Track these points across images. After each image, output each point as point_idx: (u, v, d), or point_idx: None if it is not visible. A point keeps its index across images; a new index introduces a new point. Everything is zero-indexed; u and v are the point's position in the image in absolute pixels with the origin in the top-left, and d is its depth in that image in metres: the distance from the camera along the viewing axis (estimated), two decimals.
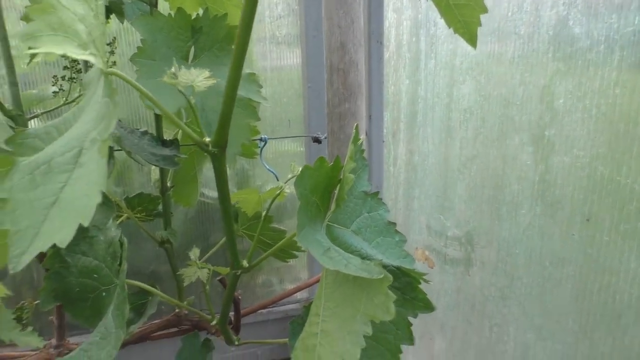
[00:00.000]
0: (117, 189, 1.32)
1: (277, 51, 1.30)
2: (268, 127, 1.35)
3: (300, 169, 0.42)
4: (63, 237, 0.31)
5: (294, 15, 1.27)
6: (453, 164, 0.80)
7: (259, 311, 1.42)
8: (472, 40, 0.43)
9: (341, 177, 0.49)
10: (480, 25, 0.42)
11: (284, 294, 0.88)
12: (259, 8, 1.25)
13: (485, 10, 0.41)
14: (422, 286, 0.51)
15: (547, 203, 0.62)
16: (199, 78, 0.42)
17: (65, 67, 0.74)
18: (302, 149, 1.39)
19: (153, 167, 0.85)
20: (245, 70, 0.71)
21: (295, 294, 1.60)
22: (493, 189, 0.71)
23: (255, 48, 1.29)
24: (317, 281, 0.64)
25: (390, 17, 0.95)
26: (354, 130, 0.50)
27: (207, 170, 1.42)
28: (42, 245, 0.31)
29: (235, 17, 0.79)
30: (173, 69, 0.41)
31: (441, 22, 0.45)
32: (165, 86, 0.62)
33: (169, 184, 0.82)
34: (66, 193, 0.33)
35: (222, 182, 0.46)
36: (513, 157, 0.67)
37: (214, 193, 1.31)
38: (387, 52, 0.95)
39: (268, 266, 1.47)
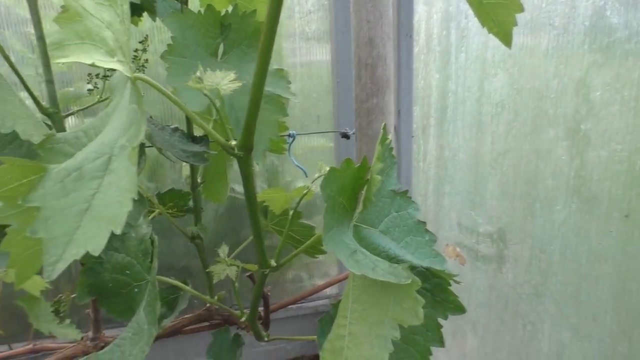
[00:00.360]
0: (150, 184, 1.34)
1: (306, 47, 1.30)
2: (297, 122, 1.35)
3: (327, 169, 0.42)
4: (96, 244, 0.31)
5: (324, 10, 1.26)
6: (484, 159, 0.78)
7: (290, 307, 1.43)
8: (506, 40, 0.42)
9: (368, 177, 0.48)
10: (515, 25, 0.41)
11: (313, 290, 0.88)
12: (289, 4, 1.24)
13: (521, 9, 0.40)
14: (453, 287, 0.50)
15: (583, 199, 0.60)
16: (224, 81, 0.41)
17: None
18: (331, 144, 1.39)
19: (184, 164, 0.87)
20: (274, 66, 0.71)
21: (325, 290, 1.60)
22: (526, 185, 0.69)
23: (284, 44, 1.29)
24: (347, 277, 0.63)
25: (420, 10, 0.93)
26: (382, 130, 0.49)
27: (238, 166, 1.43)
28: (76, 252, 0.31)
29: (264, 14, 0.79)
30: (198, 73, 0.41)
31: (473, 14, 0.44)
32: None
33: (199, 180, 0.83)
34: (98, 200, 0.33)
35: (248, 183, 0.47)
36: (547, 151, 0.65)
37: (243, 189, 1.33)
38: (417, 45, 0.94)
39: (298, 262, 1.47)
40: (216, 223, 1.38)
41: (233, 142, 0.44)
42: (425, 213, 1.02)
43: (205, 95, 0.41)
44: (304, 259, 1.48)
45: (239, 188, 1.40)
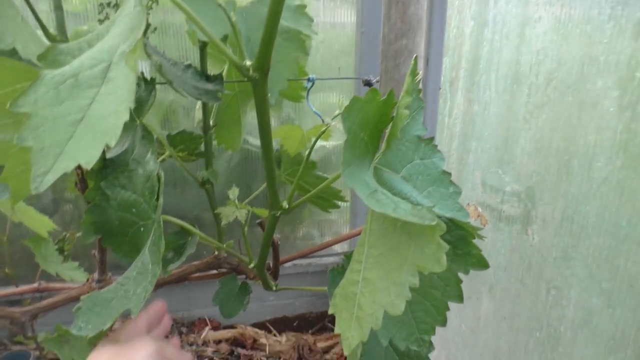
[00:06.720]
0: (163, 131, 1.31)
1: None
2: (317, 74, 1.31)
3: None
4: (89, 157, 0.29)
5: None
6: (518, 113, 0.73)
7: (300, 263, 1.41)
8: None
9: (394, 114, 0.44)
10: None
11: (324, 245, 0.85)
12: None
13: None
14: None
15: (630, 155, 0.55)
16: None
17: None
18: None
19: (197, 108, 0.83)
20: (296, 2, 0.66)
21: (335, 248, 1.57)
22: (564, 140, 0.64)
23: None
24: (359, 233, 0.60)
25: None
26: (412, 62, 0.44)
27: (252, 118, 1.39)
28: (67, 165, 0.28)
29: None
30: None
31: None
32: (210, 11, 0.58)
33: (211, 123, 0.79)
34: (93, 110, 0.30)
35: (263, 112, 0.43)
36: (593, 103, 0.59)
37: (257, 141, 1.30)
38: None
39: (309, 219, 1.45)
40: (228, 174, 1.35)
41: (248, 63, 0.40)
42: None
43: (220, 6, 0.37)
44: (316, 216, 1.45)
45: (253, 140, 1.37)
